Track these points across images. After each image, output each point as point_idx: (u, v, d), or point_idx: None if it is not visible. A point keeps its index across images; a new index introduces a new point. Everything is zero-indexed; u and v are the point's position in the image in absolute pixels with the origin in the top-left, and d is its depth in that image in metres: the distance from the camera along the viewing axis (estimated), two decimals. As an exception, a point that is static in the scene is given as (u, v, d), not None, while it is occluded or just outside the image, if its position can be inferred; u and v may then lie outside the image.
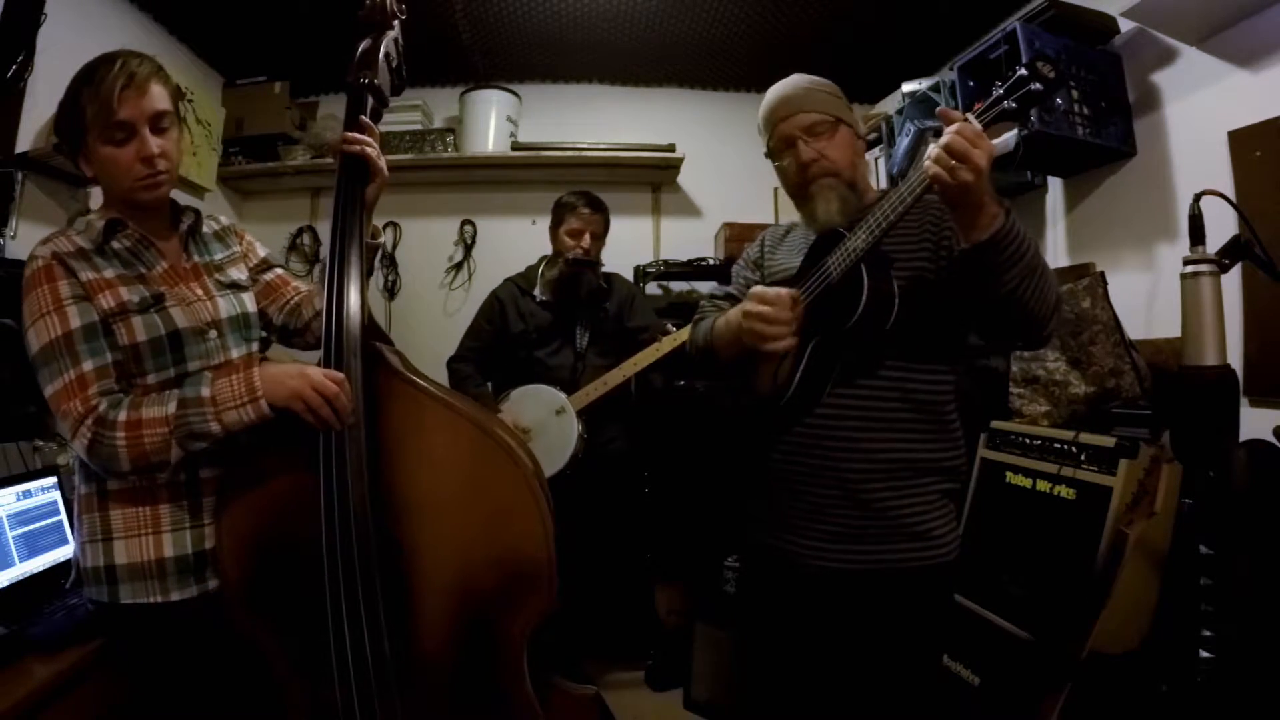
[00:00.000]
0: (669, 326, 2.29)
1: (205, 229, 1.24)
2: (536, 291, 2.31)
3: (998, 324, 1.13)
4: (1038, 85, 0.93)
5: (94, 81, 1.03)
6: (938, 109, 1.03)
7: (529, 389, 2.19)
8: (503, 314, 2.31)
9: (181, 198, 1.23)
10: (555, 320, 2.29)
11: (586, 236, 2.27)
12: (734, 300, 1.39)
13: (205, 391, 1.01)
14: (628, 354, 2.23)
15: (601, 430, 2.23)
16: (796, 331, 1.14)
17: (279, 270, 1.33)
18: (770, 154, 1.30)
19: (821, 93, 1.26)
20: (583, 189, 2.38)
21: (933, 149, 0.95)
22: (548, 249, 2.38)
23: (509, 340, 2.30)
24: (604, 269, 2.38)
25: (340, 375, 1.01)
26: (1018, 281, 1.00)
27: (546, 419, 2.14)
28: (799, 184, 1.24)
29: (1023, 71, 0.95)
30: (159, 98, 1.07)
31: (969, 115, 0.96)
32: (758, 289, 1.16)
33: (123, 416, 0.98)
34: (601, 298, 2.33)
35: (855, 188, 1.24)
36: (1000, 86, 0.97)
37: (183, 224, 1.19)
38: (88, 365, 1.00)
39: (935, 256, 1.17)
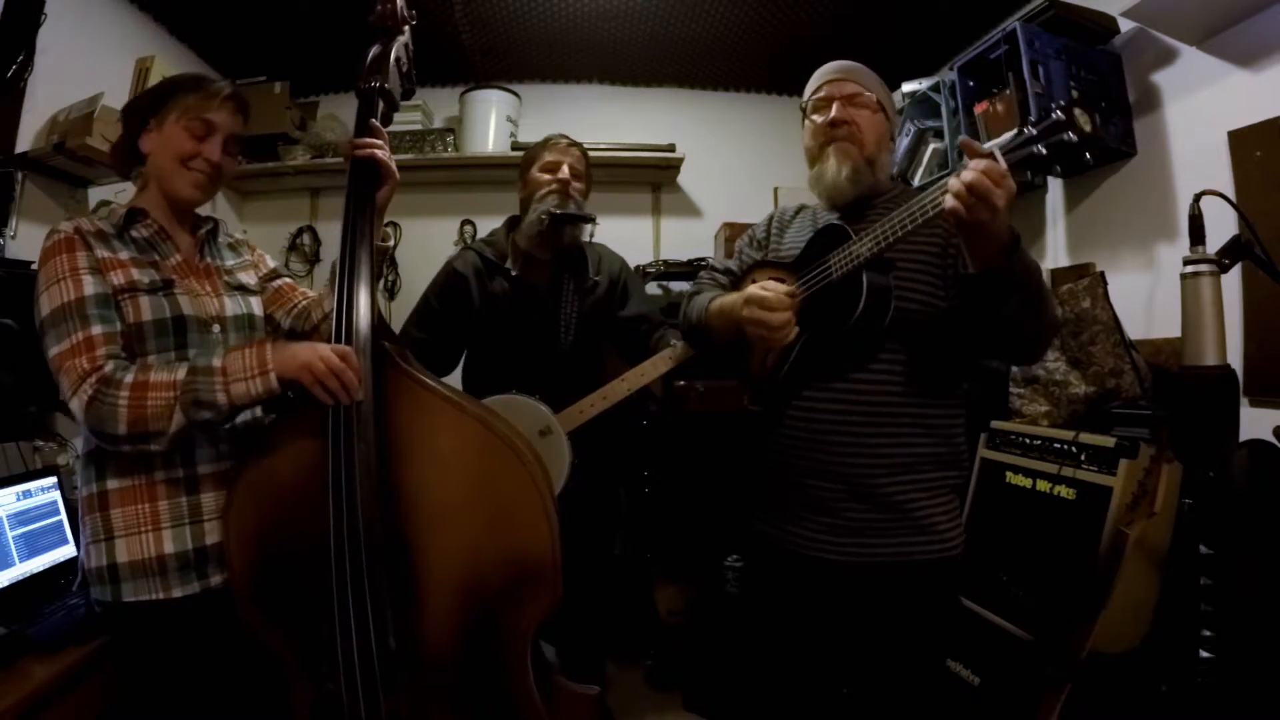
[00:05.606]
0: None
1: (221, 238, 1.29)
2: (509, 264, 1.79)
3: (994, 344, 1.15)
4: (1072, 136, 0.86)
5: (199, 85, 1.16)
6: (960, 139, 0.98)
7: (501, 401, 1.63)
8: (464, 293, 1.78)
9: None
10: (533, 301, 1.77)
11: (565, 168, 1.77)
12: (733, 276, 1.40)
13: (216, 362, 1.03)
14: (620, 348, 1.83)
15: (594, 453, 1.75)
16: (795, 323, 1.16)
17: (287, 279, 1.37)
18: (804, 109, 1.31)
19: (875, 79, 1.29)
20: None
21: (953, 181, 0.91)
22: None
23: (469, 329, 1.79)
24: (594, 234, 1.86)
25: (348, 349, 1.02)
26: (1019, 308, 1.00)
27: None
28: (821, 142, 1.25)
29: (1059, 115, 0.87)
30: (240, 126, 1.21)
31: (995, 151, 0.91)
32: (756, 294, 1.16)
33: (130, 378, 1.00)
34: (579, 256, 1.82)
35: (872, 165, 1.24)
36: (1033, 127, 0.90)
37: (201, 229, 1.24)
38: (97, 329, 1.02)
39: (942, 274, 1.18)
